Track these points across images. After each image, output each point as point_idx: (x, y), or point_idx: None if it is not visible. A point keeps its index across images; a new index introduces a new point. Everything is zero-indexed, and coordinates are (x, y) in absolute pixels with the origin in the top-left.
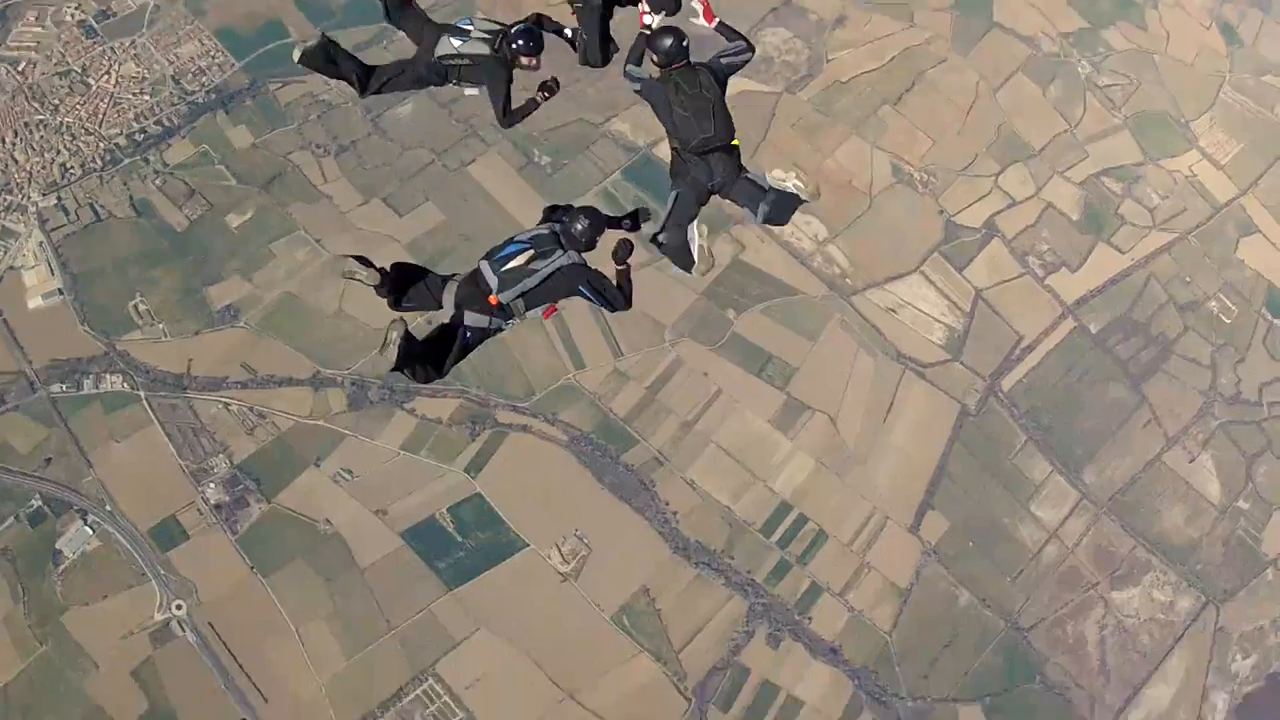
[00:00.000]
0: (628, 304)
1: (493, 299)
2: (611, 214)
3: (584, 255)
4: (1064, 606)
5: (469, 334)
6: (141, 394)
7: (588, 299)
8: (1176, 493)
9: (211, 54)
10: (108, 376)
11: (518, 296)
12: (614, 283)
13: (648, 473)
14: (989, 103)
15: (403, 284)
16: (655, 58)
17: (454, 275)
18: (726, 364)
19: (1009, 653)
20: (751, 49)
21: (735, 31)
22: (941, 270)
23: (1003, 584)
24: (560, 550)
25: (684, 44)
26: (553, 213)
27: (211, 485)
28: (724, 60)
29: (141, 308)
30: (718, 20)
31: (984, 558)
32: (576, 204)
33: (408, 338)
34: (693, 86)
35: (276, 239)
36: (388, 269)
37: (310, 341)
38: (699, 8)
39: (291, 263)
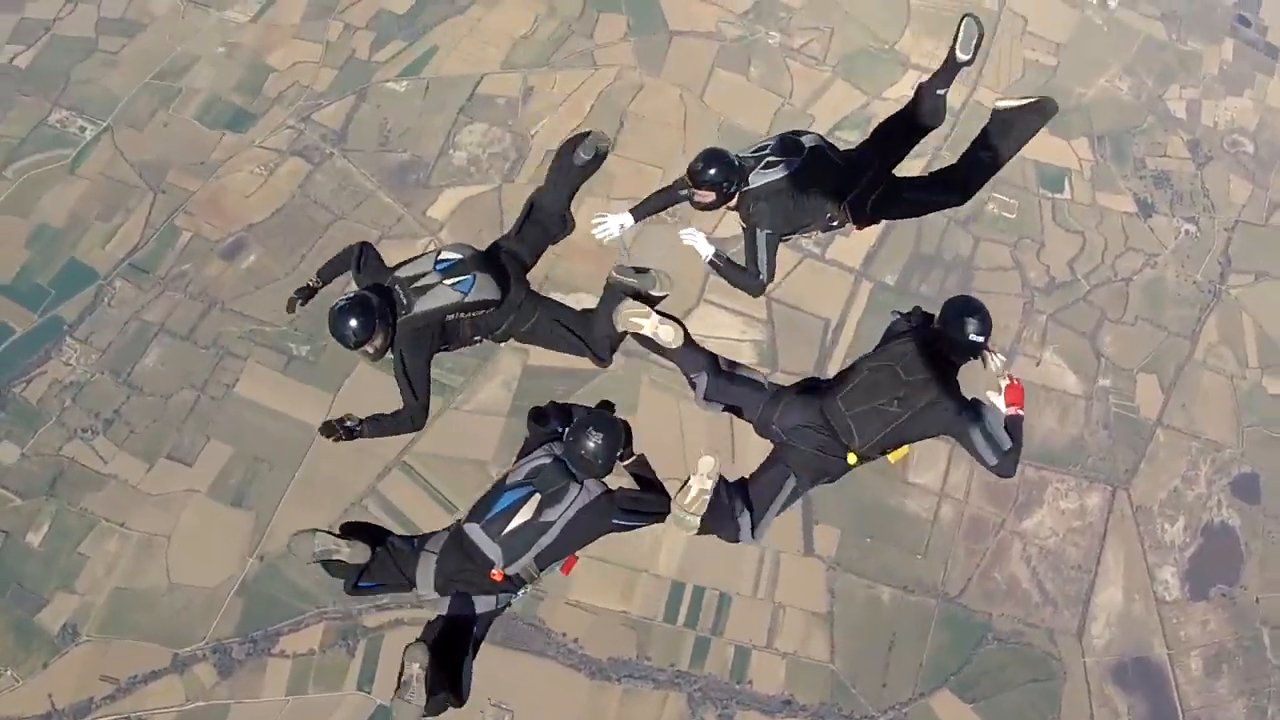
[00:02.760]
0: (669, 505)
1: (496, 574)
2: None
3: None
4: (982, 558)
5: (473, 627)
6: None
7: (628, 529)
8: (1038, 400)
9: None
10: None
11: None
12: (638, 489)
13: (531, 613)
14: (700, 110)
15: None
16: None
17: (428, 536)
18: None
19: (952, 626)
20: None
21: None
22: (723, 290)
23: (915, 564)
24: None
25: None
26: (541, 422)
27: None
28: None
29: None
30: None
31: (886, 547)
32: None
33: (434, 658)
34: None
35: (82, 540)
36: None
37: (156, 627)
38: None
39: (106, 557)
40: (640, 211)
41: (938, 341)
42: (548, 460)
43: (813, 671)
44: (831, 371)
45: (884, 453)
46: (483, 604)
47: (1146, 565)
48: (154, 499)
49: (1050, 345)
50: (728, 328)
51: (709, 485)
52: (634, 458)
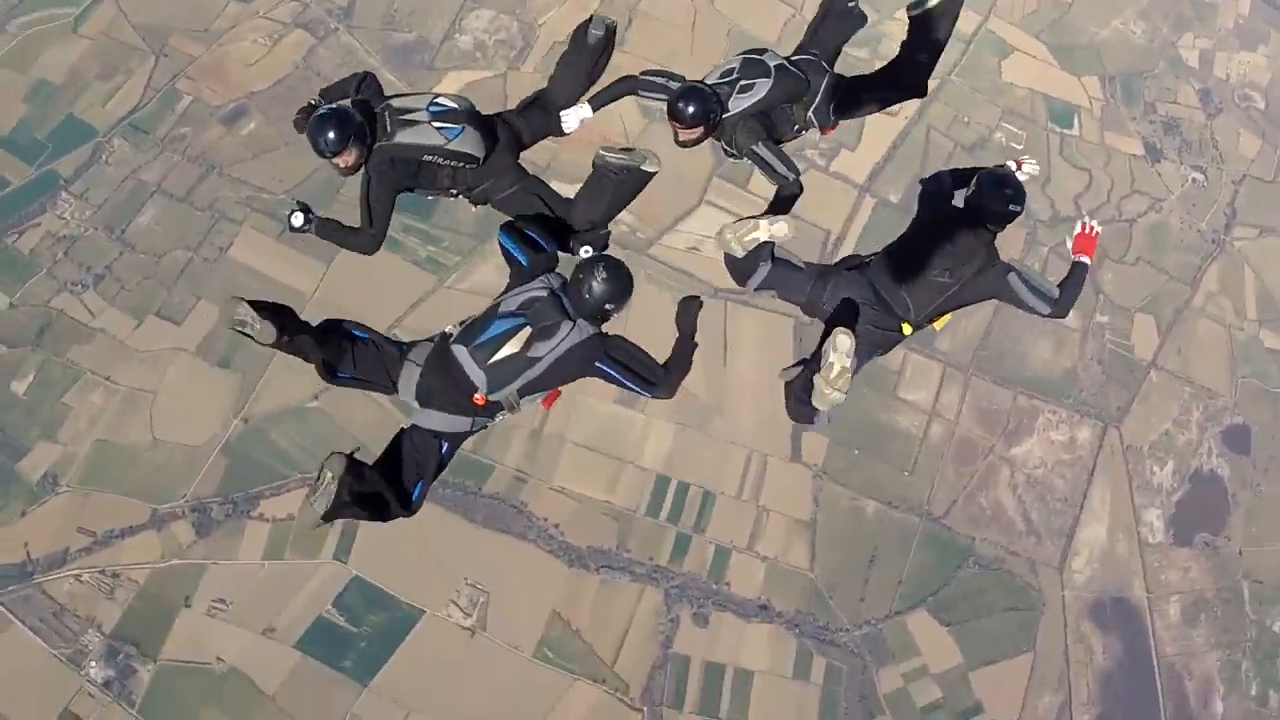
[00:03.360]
0: (674, 385)
1: (479, 398)
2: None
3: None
4: (969, 481)
5: (443, 445)
6: None
7: (612, 380)
8: (1033, 330)
9: None
10: None
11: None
12: (652, 356)
13: (514, 495)
14: (710, 14)
15: (335, 345)
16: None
17: (413, 344)
18: None
19: (934, 546)
20: None
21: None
22: (725, 193)
23: (902, 480)
24: (458, 605)
25: None
26: (533, 249)
27: (93, 664)
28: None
29: None
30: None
31: (874, 460)
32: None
33: (354, 472)
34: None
35: (66, 391)
36: (297, 319)
37: (137, 482)
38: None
39: (90, 409)
40: (598, 101)
41: (977, 212)
42: (544, 293)
43: (791, 578)
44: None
45: (931, 321)
46: (457, 423)
47: (1133, 505)
48: (141, 355)
49: (1051, 277)
50: None
51: (849, 363)
52: (693, 337)
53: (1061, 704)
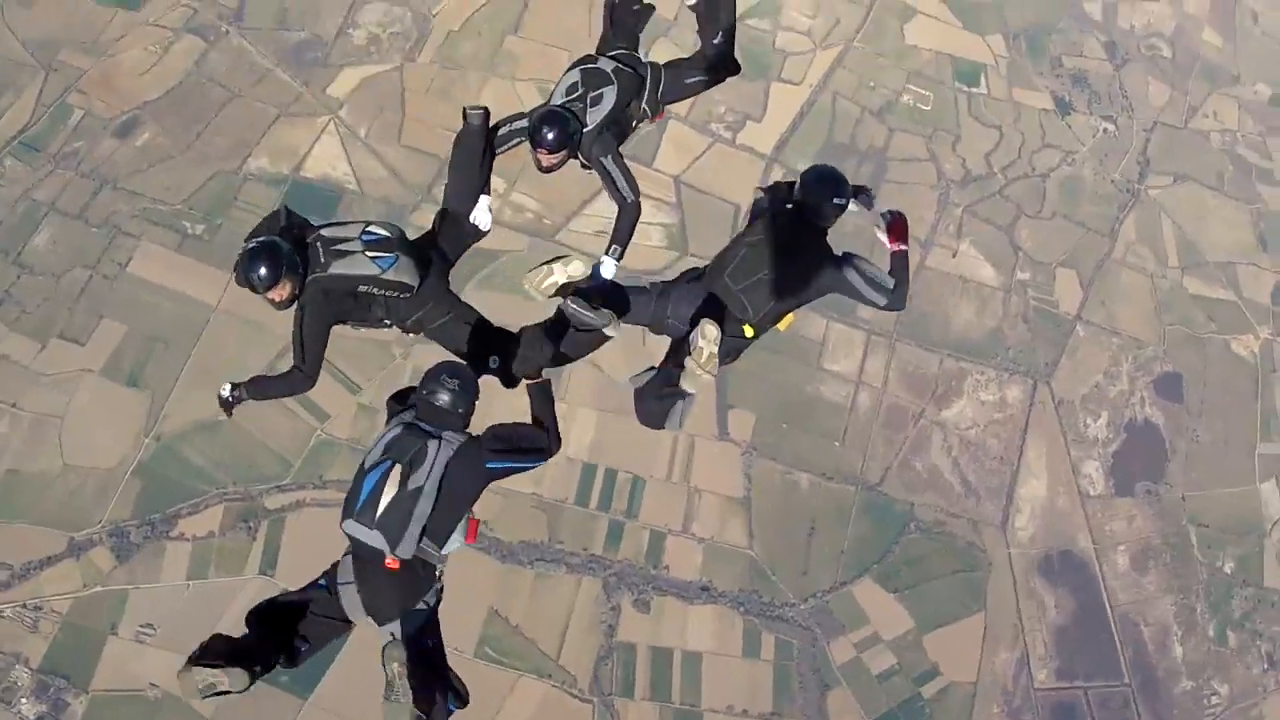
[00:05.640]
0: (558, 439)
1: (391, 562)
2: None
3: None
4: (902, 447)
5: (427, 639)
6: None
7: (509, 472)
8: (955, 291)
9: None
10: None
11: (420, 536)
12: (528, 422)
13: None
14: None
15: (279, 633)
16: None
17: (334, 572)
18: None
19: (873, 514)
20: None
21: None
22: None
23: (833, 451)
24: None
25: None
26: (400, 403)
27: (24, 701)
28: None
29: None
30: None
31: (803, 433)
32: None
33: (413, 658)
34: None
35: None
36: (243, 643)
37: (51, 510)
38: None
39: None
40: (485, 184)
41: (804, 210)
42: (400, 429)
43: (731, 557)
44: None
45: (774, 322)
46: (414, 608)
47: (1070, 459)
48: (46, 379)
49: (966, 237)
50: None
51: (715, 349)
52: (540, 380)
53: (1019, 659)
